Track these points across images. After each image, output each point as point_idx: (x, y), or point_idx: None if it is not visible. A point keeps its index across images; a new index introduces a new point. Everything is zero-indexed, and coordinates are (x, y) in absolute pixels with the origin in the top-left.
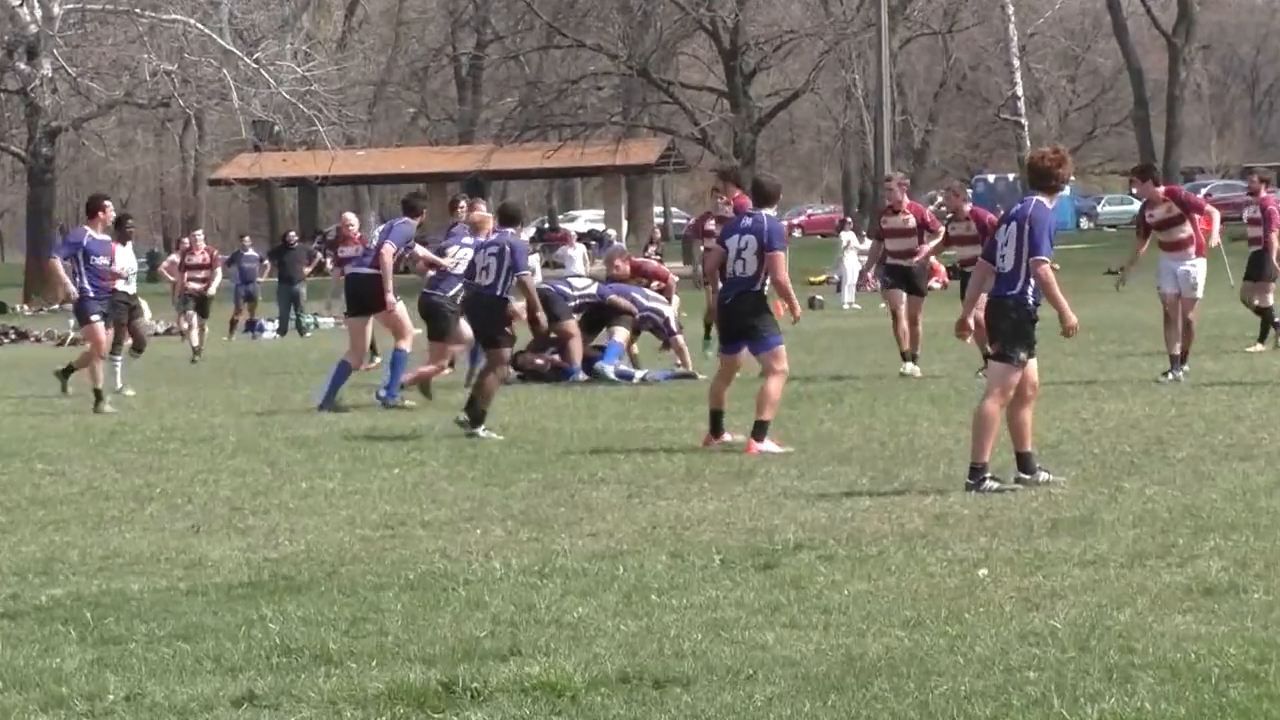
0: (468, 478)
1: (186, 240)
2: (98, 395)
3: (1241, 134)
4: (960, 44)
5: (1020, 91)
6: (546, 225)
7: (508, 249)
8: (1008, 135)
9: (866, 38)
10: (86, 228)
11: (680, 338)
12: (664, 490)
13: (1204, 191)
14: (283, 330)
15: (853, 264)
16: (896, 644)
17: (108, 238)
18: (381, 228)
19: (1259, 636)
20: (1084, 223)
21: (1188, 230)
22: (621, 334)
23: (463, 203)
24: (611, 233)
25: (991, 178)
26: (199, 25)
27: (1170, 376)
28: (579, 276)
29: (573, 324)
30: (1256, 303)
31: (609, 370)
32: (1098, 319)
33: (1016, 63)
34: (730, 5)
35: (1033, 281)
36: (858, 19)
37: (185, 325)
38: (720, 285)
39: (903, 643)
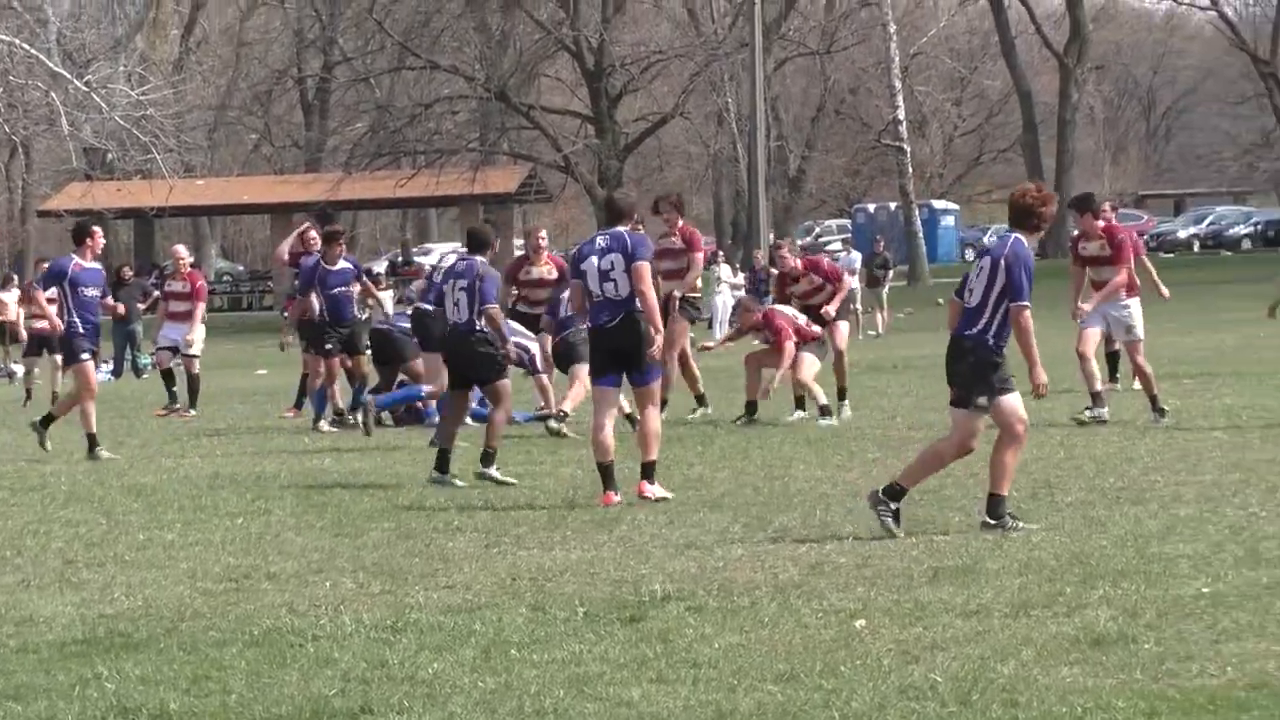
0: (316, 527)
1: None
2: (92, 441)
3: (1137, 160)
4: (839, 65)
5: (902, 115)
6: (399, 259)
7: (477, 281)
8: (889, 162)
9: (740, 59)
10: (74, 256)
11: (544, 377)
12: (524, 540)
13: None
14: (117, 372)
15: (726, 300)
16: (769, 699)
17: (98, 266)
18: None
19: (1149, 689)
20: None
21: (1122, 274)
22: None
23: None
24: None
25: (872, 207)
26: (25, 45)
27: (1090, 414)
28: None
29: (421, 364)
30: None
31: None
32: None
33: (899, 85)
34: (594, 24)
35: (996, 323)
36: (730, 39)
37: (22, 368)
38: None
39: (775, 698)
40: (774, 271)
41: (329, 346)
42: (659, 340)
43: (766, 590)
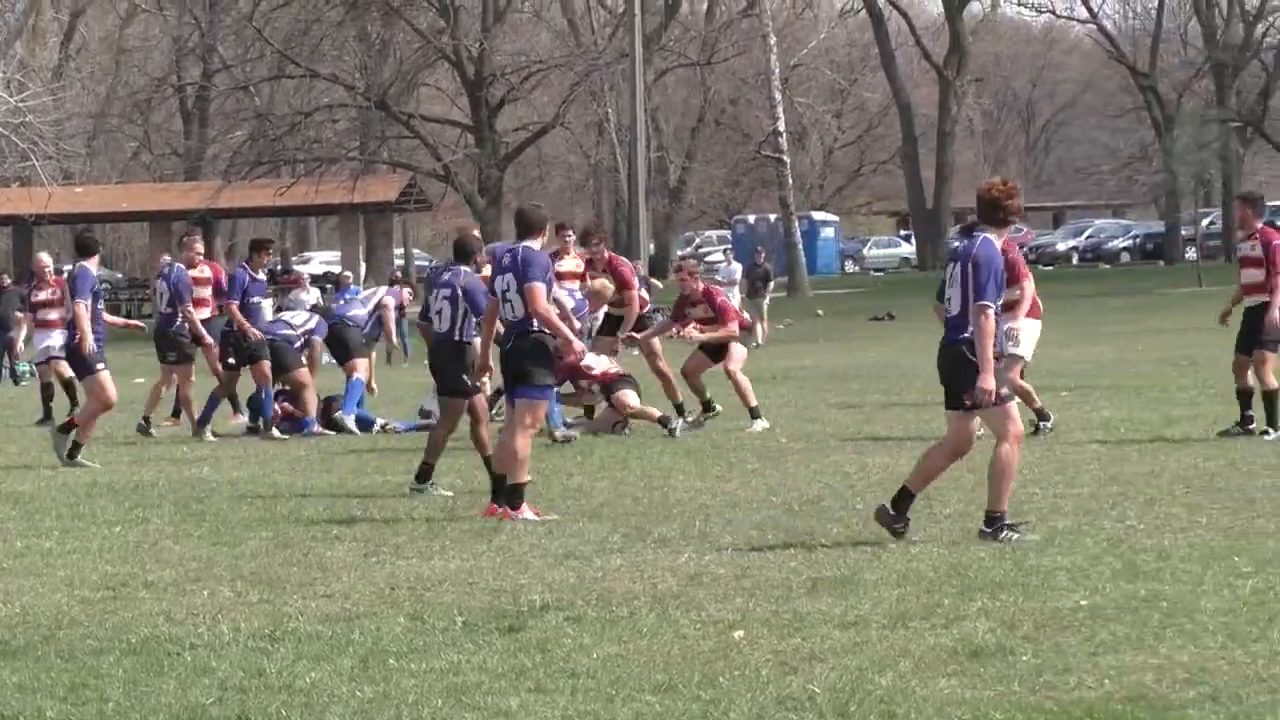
0: (194, 536)
1: None
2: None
3: (1016, 172)
4: (719, 76)
5: (782, 127)
6: (279, 268)
7: (460, 291)
8: (769, 173)
9: (620, 69)
10: (87, 265)
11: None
12: (403, 549)
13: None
14: None
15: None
16: (647, 709)
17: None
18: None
19: (1027, 701)
20: (849, 265)
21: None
22: (363, 369)
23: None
24: (349, 275)
25: (752, 218)
26: None
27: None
28: (295, 313)
29: (305, 373)
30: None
31: (348, 421)
32: (865, 367)
33: (779, 96)
34: (475, 33)
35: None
36: (610, 49)
37: None
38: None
39: (654, 708)
40: (654, 282)
41: (232, 360)
42: (575, 348)
43: (645, 600)
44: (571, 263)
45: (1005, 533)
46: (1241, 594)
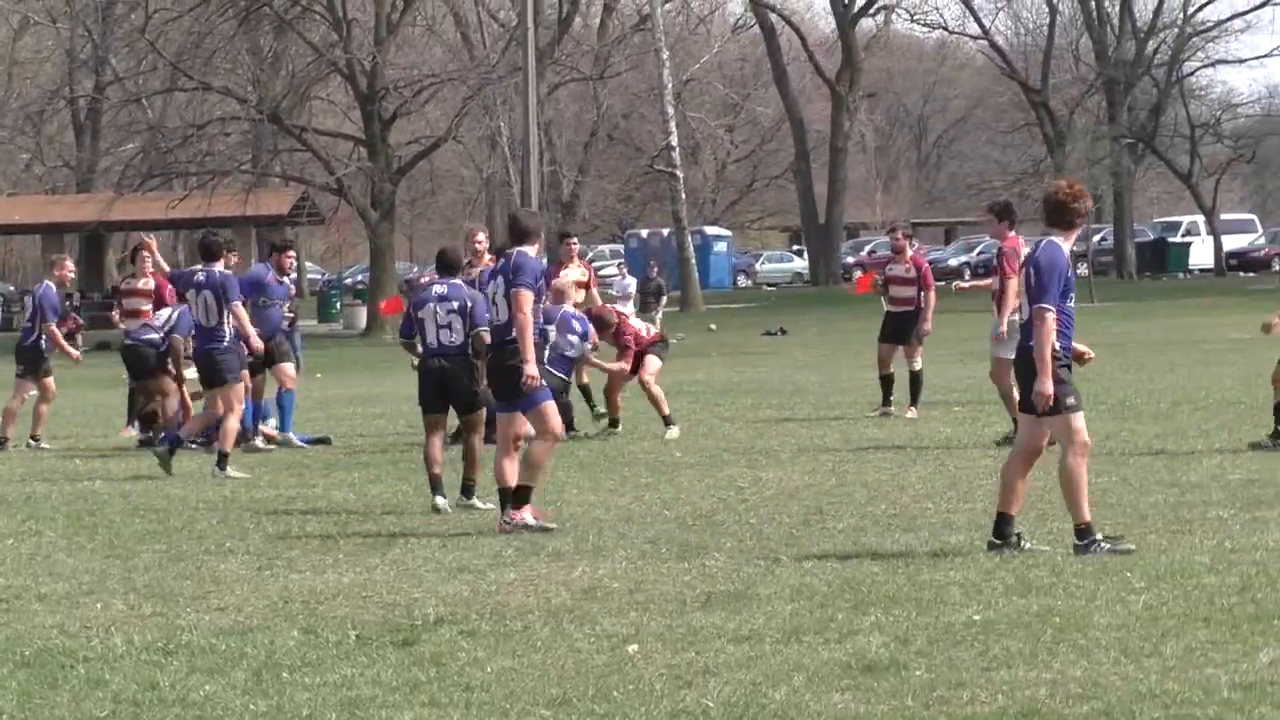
0: (87, 549)
1: None
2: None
3: (908, 188)
4: (612, 90)
5: (675, 142)
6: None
7: (468, 304)
8: (662, 187)
9: (513, 83)
10: None
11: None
12: (296, 562)
13: (867, 249)
14: None
15: None
16: None
17: None
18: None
19: (920, 715)
20: (742, 280)
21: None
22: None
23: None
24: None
25: (645, 232)
26: None
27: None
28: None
29: (169, 382)
30: (914, 367)
31: (295, 439)
32: (758, 381)
33: (671, 111)
34: (367, 47)
35: (1058, 326)
36: (503, 63)
37: None
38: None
39: None
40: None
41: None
42: (529, 368)
43: (539, 614)
44: (576, 272)
45: (1096, 546)
46: (1134, 609)
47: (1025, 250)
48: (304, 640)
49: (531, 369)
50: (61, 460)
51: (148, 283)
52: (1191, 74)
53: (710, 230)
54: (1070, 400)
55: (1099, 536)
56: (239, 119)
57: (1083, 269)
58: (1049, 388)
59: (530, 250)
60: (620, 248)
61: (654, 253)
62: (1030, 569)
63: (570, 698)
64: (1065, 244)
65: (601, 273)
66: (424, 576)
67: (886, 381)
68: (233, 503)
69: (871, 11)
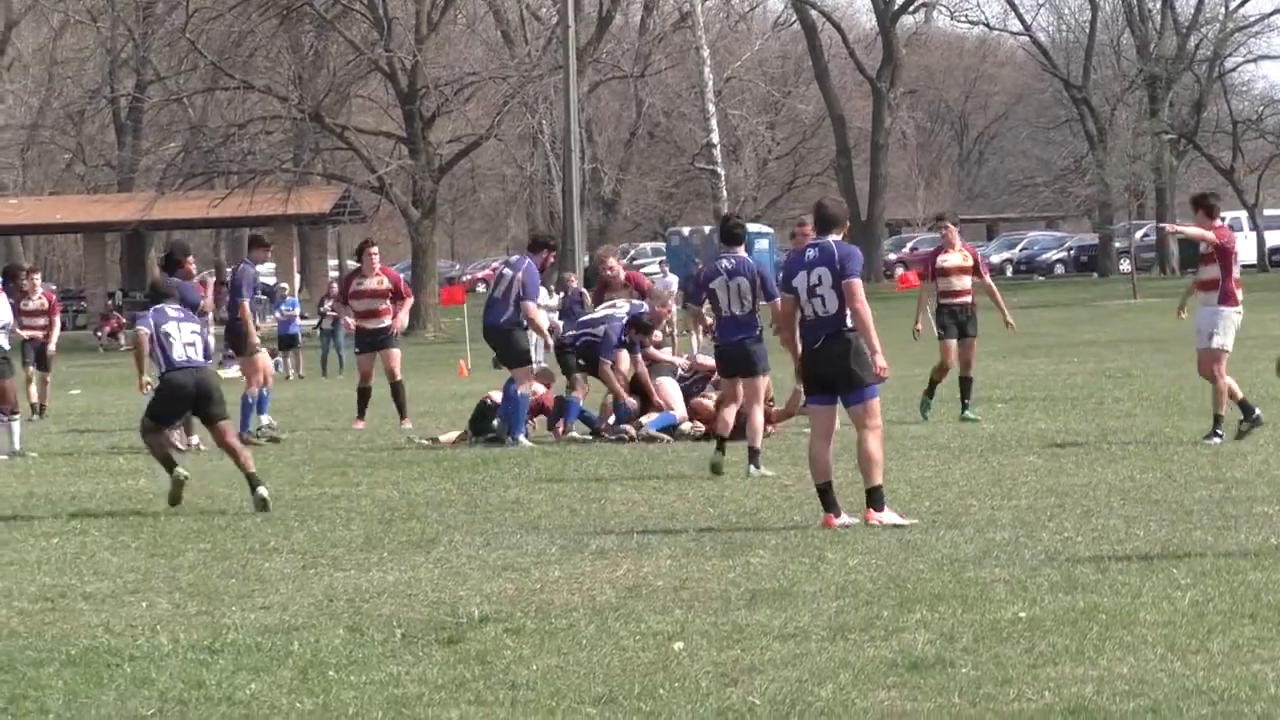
0: (131, 547)
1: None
2: None
3: (949, 184)
4: (653, 88)
5: (716, 139)
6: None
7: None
8: (703, 185)
9: (554, 81)
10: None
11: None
12: (341, 560)
13: (910, 245)
14: None
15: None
16: None
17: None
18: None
19: (967, 713)
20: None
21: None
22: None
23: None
24: (285, 286)
25: (686, 230)
26: None
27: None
28: None
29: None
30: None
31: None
32: None
33: (712, 109)
34: (408, 45)
35: None
36: (544, 61)
37: None
38: (798, 331)
39: None
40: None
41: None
42: (878, 359)
43: (584, 612)
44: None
45: None
46: (1180, 606)
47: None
48: (349, 638)
49: (881, 359)
50: (106, 458)
51: (382, 280)
52: (1234, 69)
53: (752, 227)
54: None
55: None
56: (280, 118)
57: (1125, 265)
58: None
59: (837, 238)
60: (662, 245)
61: (695, 250)
62: (1076, 566)
63: (616, 695)
64: None
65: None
66: (468, 574)
67: (966, 383)
68: (276, 501)
69: (912, 8)
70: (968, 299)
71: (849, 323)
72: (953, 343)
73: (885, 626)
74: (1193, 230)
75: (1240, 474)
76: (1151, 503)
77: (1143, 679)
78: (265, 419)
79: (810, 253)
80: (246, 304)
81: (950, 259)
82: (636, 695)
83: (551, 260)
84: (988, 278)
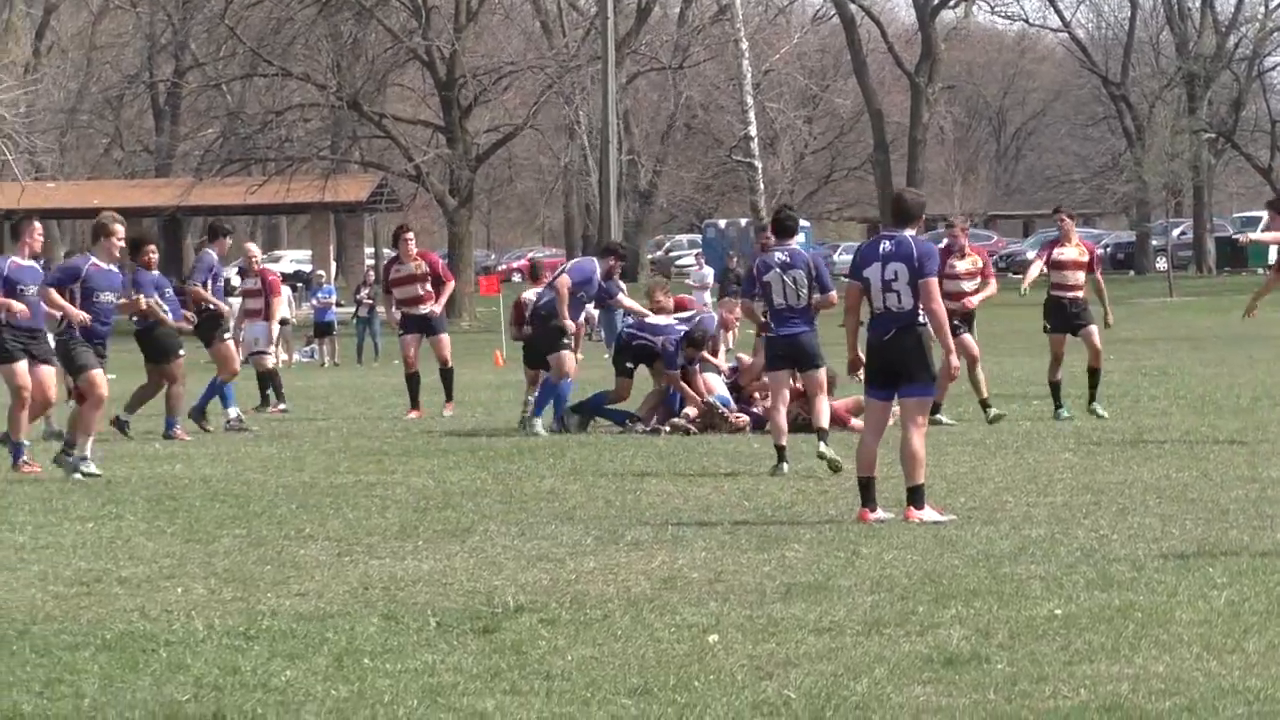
0: (167, 533)
1: None
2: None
3: (987, 180)
4: (691, 80)
5: (754, 132)
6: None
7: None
8: (740, 178)
9: (591, 71)
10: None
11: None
12: (376, 548)
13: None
14: None
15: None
16: (622, 712)
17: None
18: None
19: (1002, 709)
20: None
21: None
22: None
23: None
24: (322, 274)
25: (723, 223)
26: None
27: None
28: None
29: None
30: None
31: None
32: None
33: (750, 101)
34: (447, 34)
35: None
36: (582, 51)
37: None
38: (869, 322)
39: (629, 711)
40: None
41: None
42: (952, 359)
43: (619, 603)
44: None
45: None
46: (1216, 605)
47: None
48: (385, 626)
49: (955, 359)
50: (141, 444)
51: (419, 265)
52: (1273, 68)
53: None
54: None
55: None
56: (318, 105)
57: (1161, 264)
58: None
59: (913, 232)
60: (698, 238)
61: (731, 242)
62: (1111, 564)
63: (651, 687)
64: None
65: (679, 263)
66: (504, 564)
67: (1055, 387)
68: (312, 488)
69: (952, 4)
70: (1079, 293)
71: (921, 318)
72: (1062, 337)
73: (920, 622)
74: (1268, 236)
75: (1276, 473)
76: (1187, 501)
77: (1178, 678)
78: (233, 411)
79: (886, 245)
80: (199, 287)
81: (1067, 253)
82: (671, 687)
83: (617, 270)
84: (1098, 271)
